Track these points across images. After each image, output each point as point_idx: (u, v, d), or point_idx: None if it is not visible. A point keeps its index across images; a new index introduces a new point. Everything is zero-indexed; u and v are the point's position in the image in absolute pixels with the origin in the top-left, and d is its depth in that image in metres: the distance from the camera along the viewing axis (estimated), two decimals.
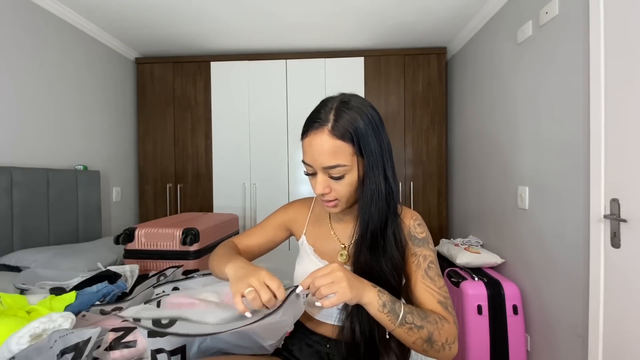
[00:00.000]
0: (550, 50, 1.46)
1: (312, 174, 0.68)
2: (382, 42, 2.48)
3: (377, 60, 2.53)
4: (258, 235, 0.88)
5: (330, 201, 0.68)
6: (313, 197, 0.90)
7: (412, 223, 0.73)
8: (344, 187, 0.66)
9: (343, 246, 0.78)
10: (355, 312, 0.67)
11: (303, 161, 0.68)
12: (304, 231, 0.84)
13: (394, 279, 0.67)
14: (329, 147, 0.62)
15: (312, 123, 0.64)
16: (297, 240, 0.87)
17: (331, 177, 0.65)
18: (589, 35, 1.22)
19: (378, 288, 0.60)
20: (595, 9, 1.18)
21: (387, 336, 0.63)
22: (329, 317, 0.76)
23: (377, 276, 0.66)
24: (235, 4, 1.93)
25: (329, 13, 2.04)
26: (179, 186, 2.63)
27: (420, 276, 0.68)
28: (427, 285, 0.67)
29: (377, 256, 0.67)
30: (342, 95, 0.67)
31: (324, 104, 0.66)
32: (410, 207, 2.48)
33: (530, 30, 1.59)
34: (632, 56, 1.06)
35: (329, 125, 0.62)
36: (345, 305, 0.69)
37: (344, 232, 0.79)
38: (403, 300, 0.66)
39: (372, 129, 0.64)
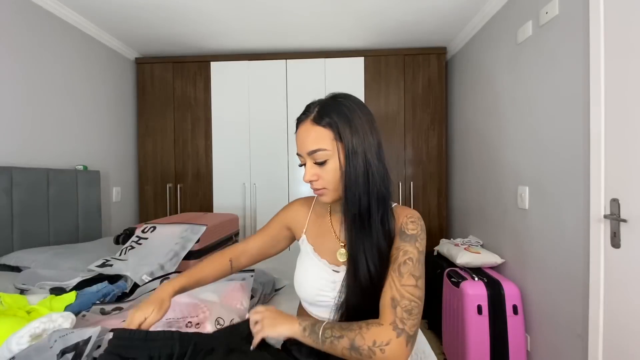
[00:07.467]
0: (550, 50, 1.46)
1: (303, 165, 0.74)
2: (382, 42, 2.48)
3: (377, 60, 2.53)
4: (259, 237, 0.90)
5: (319, 189, 0.73)
6: (314, 196, 0.90)
7: (406, 220, 0.72)
8: (329, 174, 0.70)
9: (343, 244, 0.77)
10: (348, 309, 0.69)
11: (297, 154, 0.75)
12: (305, 230, 0.85)
13: (375, 269, 0.68)
14: (311, 133, 0.70)
15: (301, 116, 0.74)
16: (298, 239, 0.87)
17: (317, 164, 0.70)
18: (589, 35, 1.22)
19: (301, 318, 0.68)
20: (595, 9, 1.18)
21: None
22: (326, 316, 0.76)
23: (361, 266, 0.68)
24: (235, 3, 1.92)
25: (329, 13, 2.04)
26: (179, 186, 2.63)
27: (392, 269, 0.67)
28: (391, 278, 0.66)
29: (364, 240, 0.68)
30: (333, 93, 0.74)
31: (314, 101, 0.74)
32: (410, 207, 2.47)
33: (530, 30, 1.59)
34: (632, 56, 1.06)
35: (312, 115, 0.71)
36: (340, 307, 0.71)
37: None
38: (328, 319, 0.71)
39: (353, 118, 0.69)
